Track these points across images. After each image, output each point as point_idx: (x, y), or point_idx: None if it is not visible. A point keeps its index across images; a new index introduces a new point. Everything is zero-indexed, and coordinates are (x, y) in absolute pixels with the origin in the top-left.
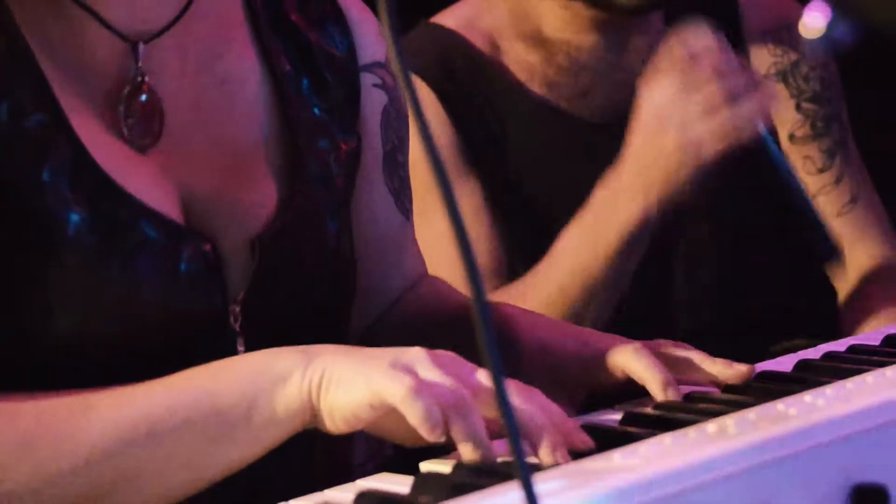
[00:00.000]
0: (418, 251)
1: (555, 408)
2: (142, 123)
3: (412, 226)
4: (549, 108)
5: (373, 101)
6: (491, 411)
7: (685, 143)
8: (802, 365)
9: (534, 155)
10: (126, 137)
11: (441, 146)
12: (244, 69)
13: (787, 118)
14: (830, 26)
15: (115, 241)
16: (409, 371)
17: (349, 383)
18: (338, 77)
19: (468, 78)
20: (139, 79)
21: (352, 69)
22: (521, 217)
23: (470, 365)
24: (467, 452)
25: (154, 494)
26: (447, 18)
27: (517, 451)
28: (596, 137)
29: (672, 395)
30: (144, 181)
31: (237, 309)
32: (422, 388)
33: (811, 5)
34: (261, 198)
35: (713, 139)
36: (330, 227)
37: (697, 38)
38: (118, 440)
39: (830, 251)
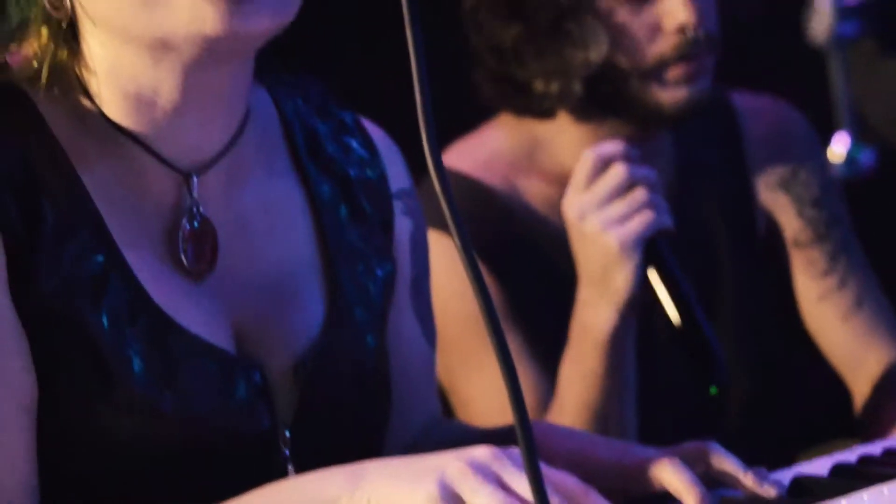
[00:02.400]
0: (436, 393)
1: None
2: (196, 250)
3: (435, 358)
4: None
5: (403, 228)
6: None
7: (617, 240)
8: (838, 469)
9: (559, 286)
10: (184, 266)
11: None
12: (286, 196)
13: (789, 224)
14: (853, 151)
15: (172, 375)
16: (464, 497)
17: None
18: (373, 205)
19: (490, 223)
20: (194, 209)
21: (385, 196)
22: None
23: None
24: None
25: None
26: (462, 160)
27: None
28: None
29: None
30: (199, 313)
31: (286, 433)
32: None
33: (837, 133)
34: (303, 321)
35: (628, 234)
36: (369, 345)
37: (607, 148)
38: None
39: (719, 375)
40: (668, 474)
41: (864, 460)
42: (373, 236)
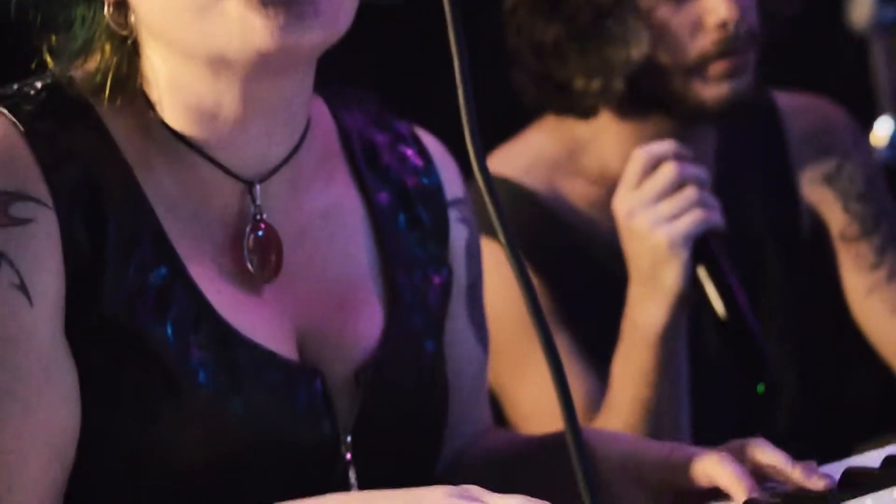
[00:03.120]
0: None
1: None
2: (262, 259)
3: (487, 366)
4: (614, 240)
5: (458, 235)
6: None
7: (667, 237)
8: (890, 460)
9: (605, 286)
10: (246, 274)
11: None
12: (344, 204)
13: (835, 219)
14: None
15: (237, 384)
16: None
17: None
18: (429, 213)
19: (534, 226)
20: (258, 216)
21: (441, 204)
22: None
23: (496, 494)
24: None
25: None
26: (503, 165)
27: None
28: None
29: None
30: (261, 321)
31: (348, 439)
32: None
33: (880, 117)
34: (363, 328)
35: (678, 231)
36: (428, 350)
37: (658, 147)
38: None
39: (767, 373)
40: (717, 468)
41: None
42: (429, 244)
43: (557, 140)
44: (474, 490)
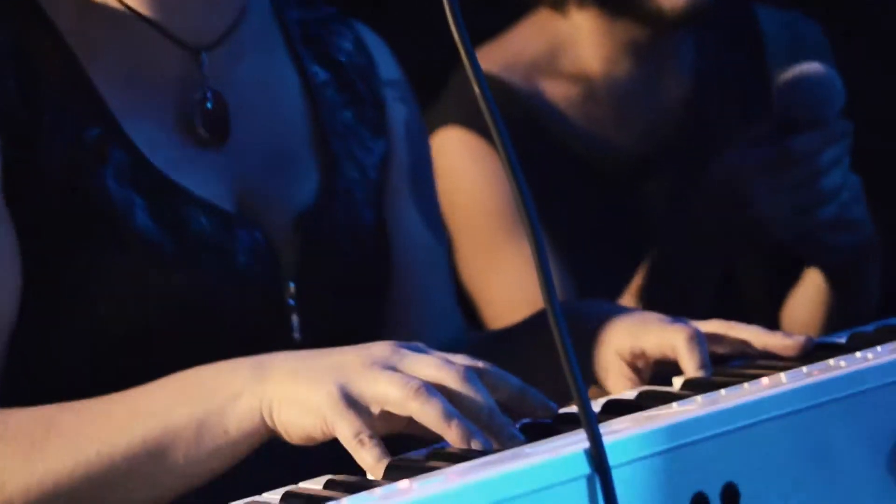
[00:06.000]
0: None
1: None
2: (210, 127)
3: (447, 255)
4: (590, 141)
5: (396, 114)
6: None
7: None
8: (856, 336)
9: (580, 182)
10: (192, 138)
11: (499, 195)
12: (282, 77)
13: None
14: None
15: (176, 233)
16: (364, 394)
17: (300, 407)
18: (365, 87)
19: (512, 121)
20: (206, 84)
21: (376, 81)
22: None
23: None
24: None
25: None
26: (485, 61)
27: (582, 399)
28: (637, 165)
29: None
30: (202, 179)
31: (291, 287)
32: (367, 431)
33: None
34: (301, 191)
35: None
36: (366, 220)
37: None
38: (73, 464)
39: None
40: (679, 342)
41: (882, 329)
42: (365, 116)
43: (539, 38)
44: (421, 345)
